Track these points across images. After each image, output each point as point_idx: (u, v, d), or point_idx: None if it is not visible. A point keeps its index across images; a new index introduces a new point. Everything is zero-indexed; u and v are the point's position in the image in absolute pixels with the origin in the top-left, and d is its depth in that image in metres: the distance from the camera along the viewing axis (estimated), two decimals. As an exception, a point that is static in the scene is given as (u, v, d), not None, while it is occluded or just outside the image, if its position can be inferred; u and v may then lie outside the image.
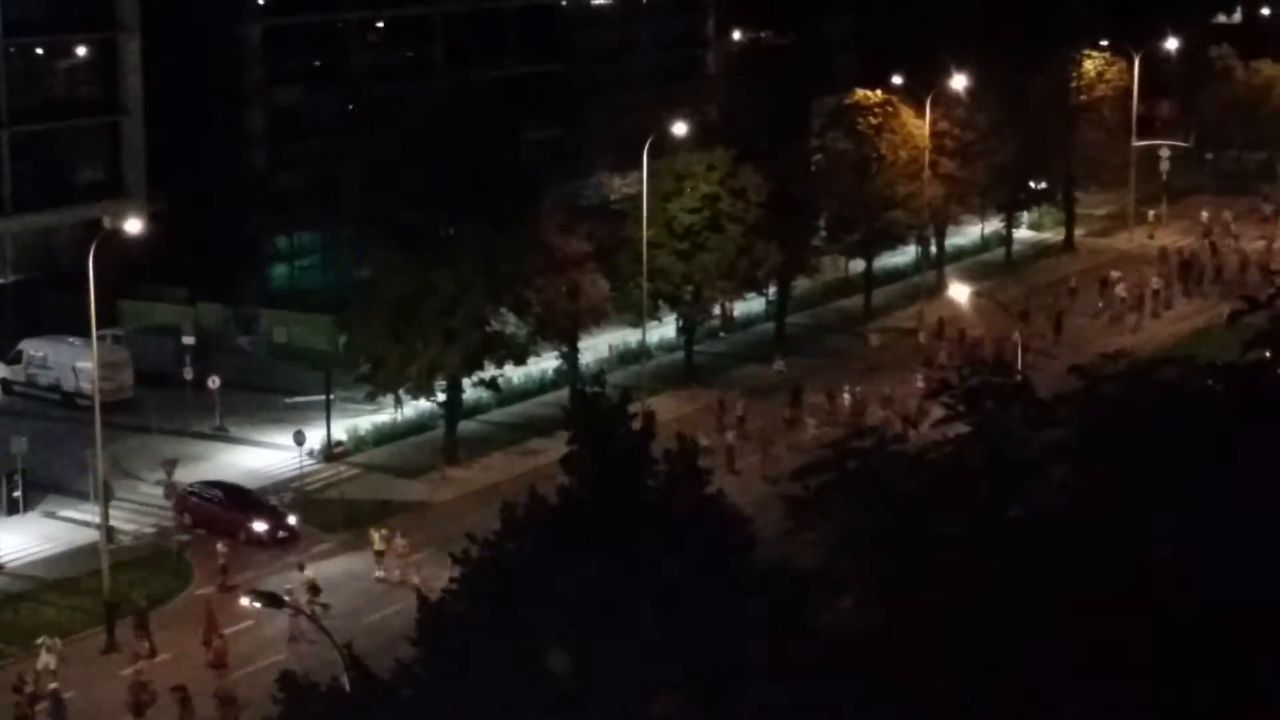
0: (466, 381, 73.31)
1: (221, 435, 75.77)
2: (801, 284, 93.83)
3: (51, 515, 66.71)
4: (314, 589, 57.02)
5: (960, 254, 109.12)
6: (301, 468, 70.16)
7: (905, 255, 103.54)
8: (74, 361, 77.73)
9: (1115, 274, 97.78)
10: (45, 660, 52.48)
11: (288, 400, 78.11)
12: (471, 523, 54.62)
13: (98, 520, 61.18)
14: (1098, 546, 30.60)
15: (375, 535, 62.33)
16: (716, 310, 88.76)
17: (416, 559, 60.42)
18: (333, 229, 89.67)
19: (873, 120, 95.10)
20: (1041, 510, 32.99)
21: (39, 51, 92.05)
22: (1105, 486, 31.33)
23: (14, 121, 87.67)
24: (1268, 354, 31.78)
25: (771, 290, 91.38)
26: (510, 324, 74.65)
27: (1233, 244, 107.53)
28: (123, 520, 65.09)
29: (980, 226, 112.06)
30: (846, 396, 77.83)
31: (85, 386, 72.81)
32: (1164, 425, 31.20)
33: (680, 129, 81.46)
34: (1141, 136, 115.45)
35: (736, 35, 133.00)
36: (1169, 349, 76.58)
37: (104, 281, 61.41)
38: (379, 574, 61.11)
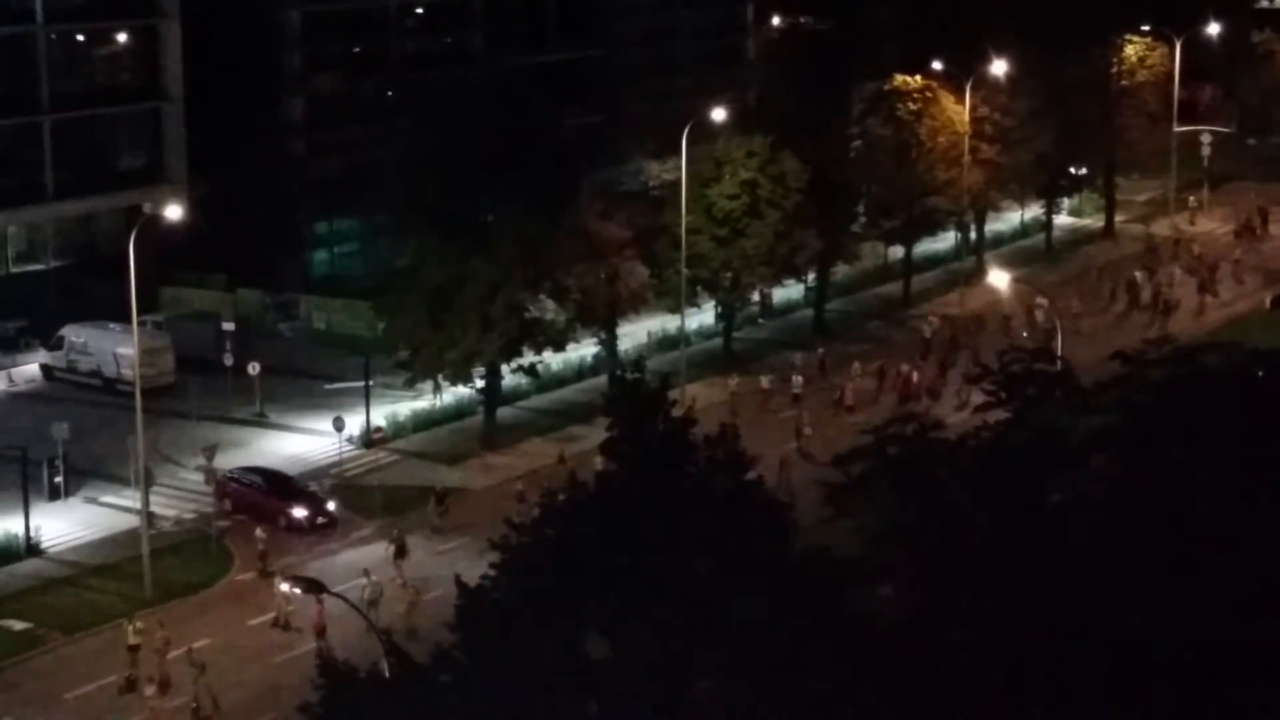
0: (505, 368, 73.30)
1: (261, 421, 75.89)
2: (841, 270, 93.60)
3: (92, 501, 66.91)
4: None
5: (1000, 240, 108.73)
6: (341, 453, 70.21)
7: (945, 241, 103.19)
8: (115, 347, 77.96)
9: (1041, 300, 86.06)
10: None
11: (327, 386, 78.23)
12: (510, 509, 55.06)
13: (138, 506, 61.38)
14: (1141, 534, 30.41)
15: (129, 628, 53.69)
16: (755, 296, 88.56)
17: (177, 655, 52.55)
18: (372, 215, 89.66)
19: (912, 106, 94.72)
20: (1083, 497, 32.84)
21: (80, 38, 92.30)
22: (1149, 473, 31.17)
23: (56, 108, 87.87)
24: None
25: (811, 277, 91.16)
26: (549, 310, 74.55)
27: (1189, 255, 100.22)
28: (163, 506, 65.23)
29: (1020, 212, 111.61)
30: None
31: (126, 372, 73.06)
32: (1209, 411, 31.02)
33: (719, 115, 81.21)
34: (1183, 122, 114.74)
35: (775, 20, 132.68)
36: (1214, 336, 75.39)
37: (144, 268, 61.57)
38: (129, 673, 52.36)
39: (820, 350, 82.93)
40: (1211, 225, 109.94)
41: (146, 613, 55.66)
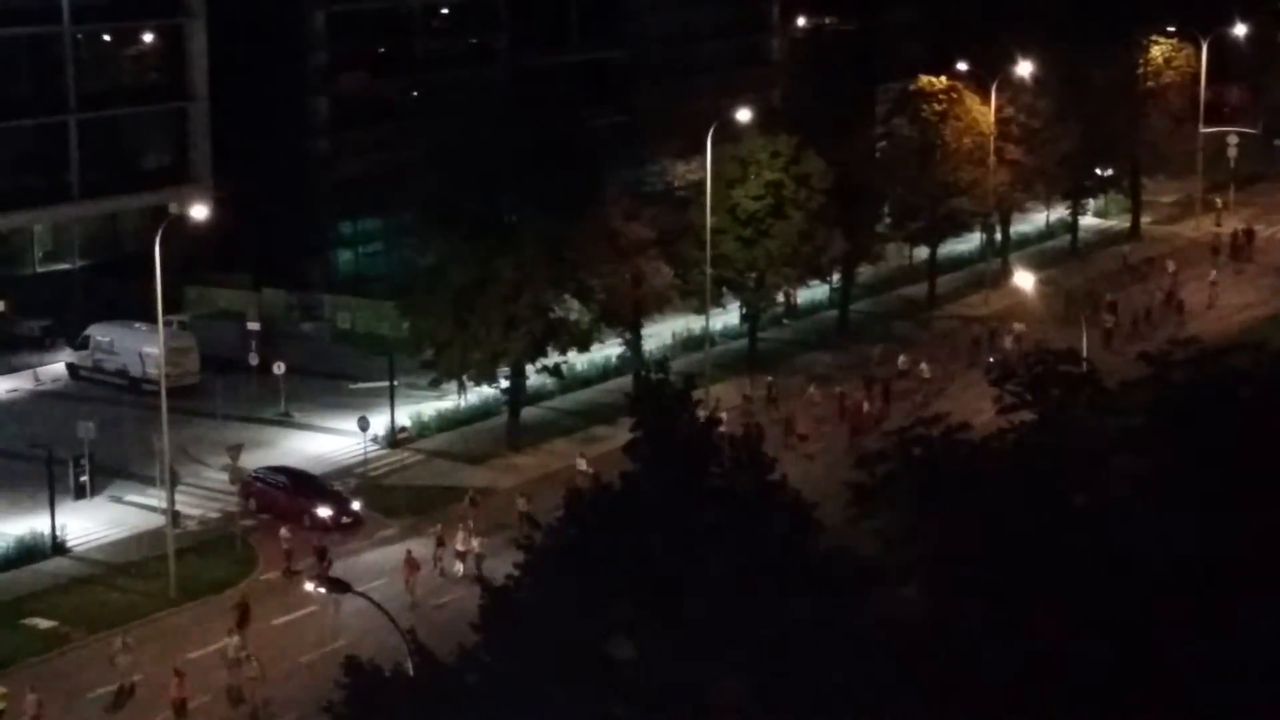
0: (530, 368, 73.35)
1: (286, 421, 76.05)
2: (866, 271, 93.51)
3: (118, 500, 67.11)
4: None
5: (1025, 241, 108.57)
6: (365, 453, 70.33)
7: (970, 242, 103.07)
8: (140, 347, 78.15)
9: (1018, 326, 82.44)
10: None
11: (352, 386, 78.37)
12: (534, 509, 55.02)
13: (163, 505, 61.57)
14: (1166, 536, 30.31)
15: None
16: (780, 297, 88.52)
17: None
18: (396, 215, 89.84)
19: (937, 106, 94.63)
20: (1109, 499, 32.75)
21: (106, 38, 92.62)
22: (1174, 475, 31.06)
23: (82, 107, 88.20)
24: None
25: (835, 277, 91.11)
26: (573, 310, 74.60)
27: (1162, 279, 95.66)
28: (188, 505, 65.43)
29: (1045, 214, 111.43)
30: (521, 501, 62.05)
31: (151, 372, 73.20)
32: (1235, 413, 30.90)
33: (744, 115, 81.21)
34: (1209, 123, 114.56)
35: (801, 21, 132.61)
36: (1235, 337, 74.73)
37: (170, 267, 61.75)
38: None
39: (769, 379, 79.33)
40: (1239, 226, 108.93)
41: (13, 669, 52.55)
